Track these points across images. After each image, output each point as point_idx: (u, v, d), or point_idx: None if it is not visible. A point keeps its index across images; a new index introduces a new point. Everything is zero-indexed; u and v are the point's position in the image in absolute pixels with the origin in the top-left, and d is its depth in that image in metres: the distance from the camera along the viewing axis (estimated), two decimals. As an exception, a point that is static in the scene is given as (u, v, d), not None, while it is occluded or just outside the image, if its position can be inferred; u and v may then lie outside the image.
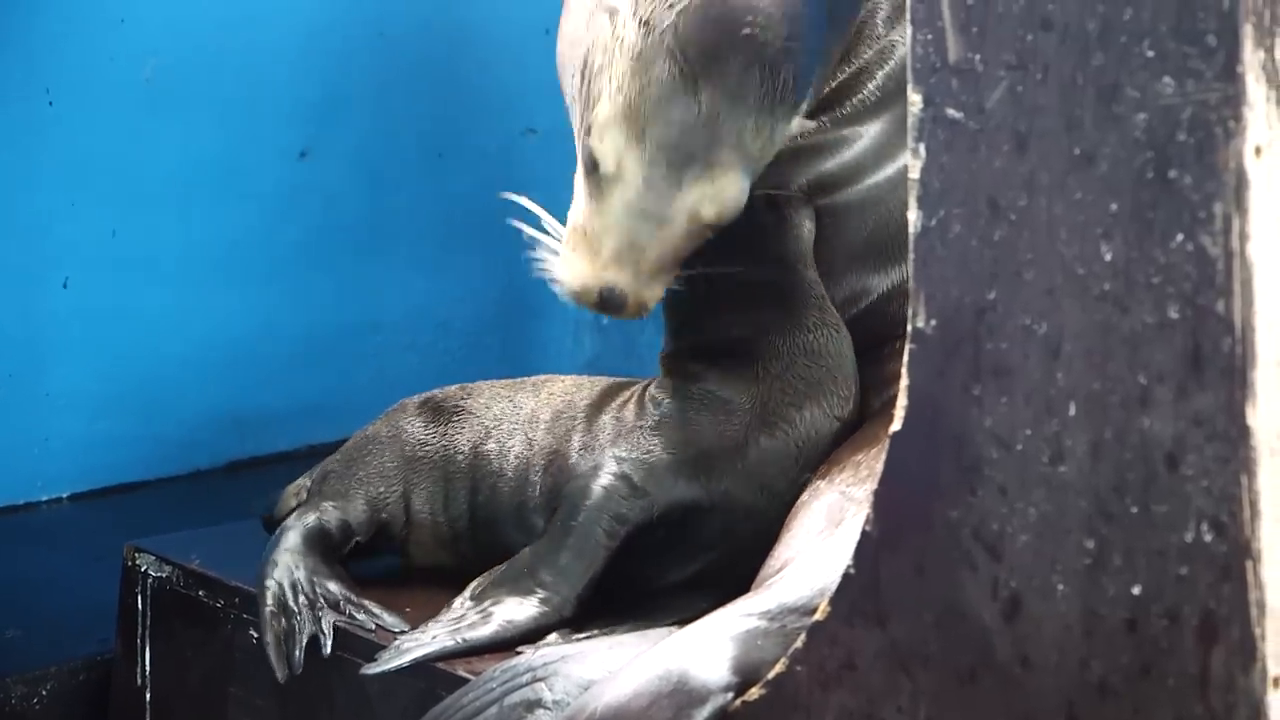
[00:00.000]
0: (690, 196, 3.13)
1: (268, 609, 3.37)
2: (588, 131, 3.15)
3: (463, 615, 3.29)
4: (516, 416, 3.47)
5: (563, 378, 3.54)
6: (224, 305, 4.71)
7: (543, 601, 3.27)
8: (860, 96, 3.41)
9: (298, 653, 3.34)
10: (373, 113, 4.84)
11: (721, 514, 3.31)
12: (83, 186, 4.47)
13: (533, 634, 3.24)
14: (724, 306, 3.35)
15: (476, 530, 3.47)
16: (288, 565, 3.43)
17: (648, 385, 3.42)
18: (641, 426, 3.33)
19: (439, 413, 3.53)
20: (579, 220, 3.20)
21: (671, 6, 3.08)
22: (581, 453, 3.37)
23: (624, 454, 3.31)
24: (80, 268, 4.50)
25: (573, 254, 3.19)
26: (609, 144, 3.13)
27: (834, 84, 3.38)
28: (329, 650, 3.32)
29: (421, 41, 4.89)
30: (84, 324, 4.52)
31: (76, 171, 4.46)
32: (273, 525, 3.60)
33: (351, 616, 3.36)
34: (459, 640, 3.24)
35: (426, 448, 3.51)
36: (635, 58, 3.09)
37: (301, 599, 3.39)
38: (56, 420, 4.53)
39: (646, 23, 3.08)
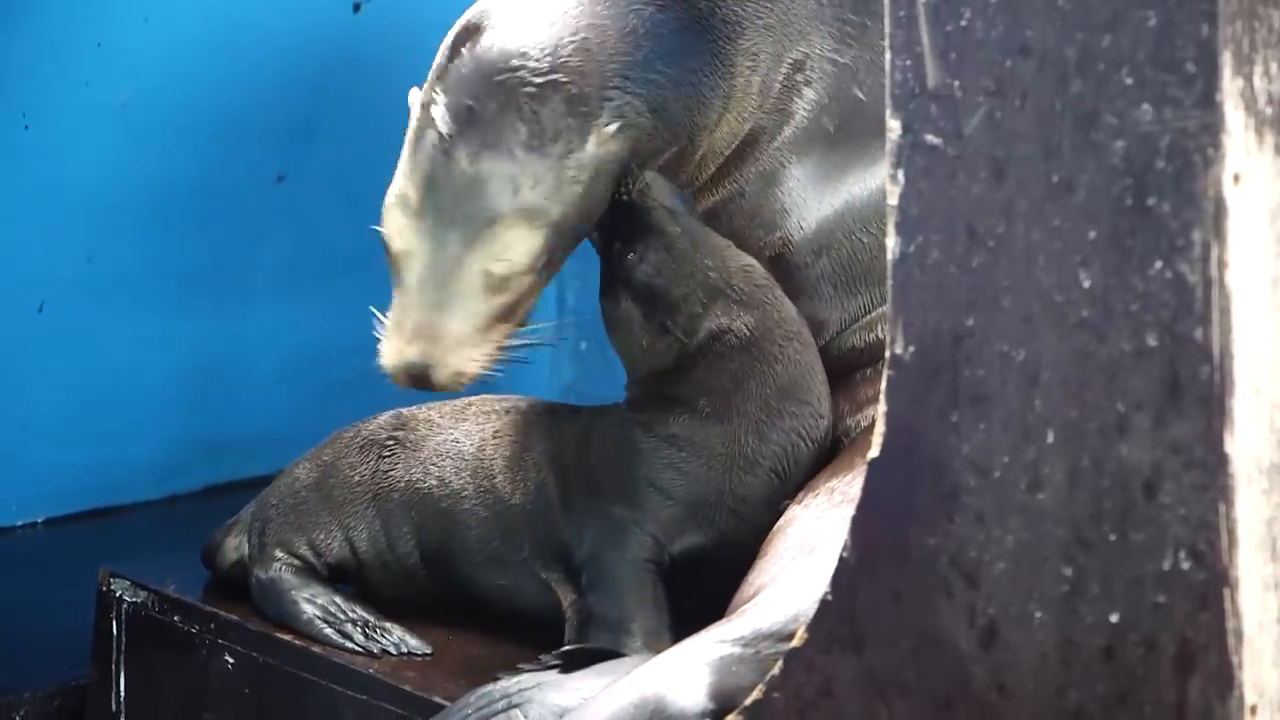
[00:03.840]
0: (476, 258, 3.22)
1: (325, 631, 3.37)
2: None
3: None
4: (459, 453, 3.44)
5: (500, 406, 3.50)
6: (200, 329, 4.69)
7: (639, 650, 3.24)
8: (776, 143, 3.41)
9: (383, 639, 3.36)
10: (349, 136, 4.83)
11: (720, 558, 3.29)
12: (58, 211, 4.45)
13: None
14: (686, 356, 3.32)
15: (431, 567, 3.44)
16: (307, 599, 3.41)
17: (605, 418, 3.39)
18: (635, 476, 3.30)
19: (368, 447, 3.49)
20: (392, 308, 3.30)
21: (439, 79, 3.23)
22: (578, 508, 3.34)
23: (630, 511, 3.29)
24: (56, 292, 4.48)
25: (384, 338, 3.29)
26: (391, 224, 3.25)
27: (740, 138, 3.41)
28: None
29: (397, 64, 4.87)
30: (59, 349, 4.50)
31: (52, 196, 4.44)
32: (217, 572, 3.59)
33: (381, 638, 3.36)
34: None
35: (358, 487, 3.48)
36: (409, 139, 3.25)
37: (343, 617, 3.39)
38: (31, 445, 4.51)
39: (424, 104, 3.24)
